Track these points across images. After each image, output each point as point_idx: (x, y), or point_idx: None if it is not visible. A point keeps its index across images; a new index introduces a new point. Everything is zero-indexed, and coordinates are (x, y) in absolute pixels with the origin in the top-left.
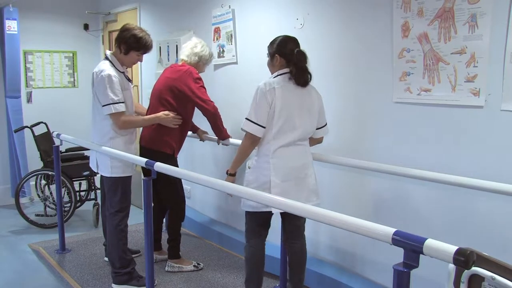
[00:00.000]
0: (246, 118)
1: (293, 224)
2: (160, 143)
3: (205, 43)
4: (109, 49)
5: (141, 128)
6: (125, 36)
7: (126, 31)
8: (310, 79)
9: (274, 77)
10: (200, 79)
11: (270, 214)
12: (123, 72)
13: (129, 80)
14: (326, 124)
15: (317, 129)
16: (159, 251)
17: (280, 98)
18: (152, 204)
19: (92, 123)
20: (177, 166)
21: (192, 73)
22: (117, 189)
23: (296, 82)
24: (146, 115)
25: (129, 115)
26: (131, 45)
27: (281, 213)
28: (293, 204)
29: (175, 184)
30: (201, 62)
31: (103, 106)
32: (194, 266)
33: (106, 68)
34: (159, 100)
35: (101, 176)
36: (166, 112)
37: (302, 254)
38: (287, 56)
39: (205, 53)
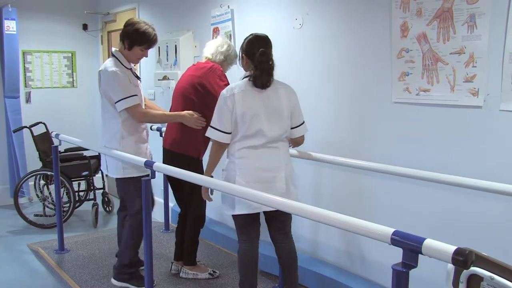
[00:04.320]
0: (210, 126)
1: (273, 224)
2: (185, 146)
3: (231, 43)
4: (109, 49)
5: (148, 127)
6: (128, 30)
7: (130, 26)
8: (271, 81)
9: (242, 79)
10: (224, 76)
11: (254, 213)
12: (130, 69)
13: (138, 77)
14: (303, 122)
15: (292, 128)
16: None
17: (241, 103)
18: (180, 211)
19: (102, 123)
20: (203, 169)
21: (216, 70)
22: (134, 189)
23: (254, 84)
24: None
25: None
26: (134, 39)
27: (264, 213)
28: (292, 204)
29: (199, 188)
30: (226, 62)
31: (116, 102)
32: (210, 274)
33: (111, 65)
34: (182, 97)
35: (116, 180)
36: (191, 112)
37: (290, 254)
38: (252, 56)
39: (231, 53)
